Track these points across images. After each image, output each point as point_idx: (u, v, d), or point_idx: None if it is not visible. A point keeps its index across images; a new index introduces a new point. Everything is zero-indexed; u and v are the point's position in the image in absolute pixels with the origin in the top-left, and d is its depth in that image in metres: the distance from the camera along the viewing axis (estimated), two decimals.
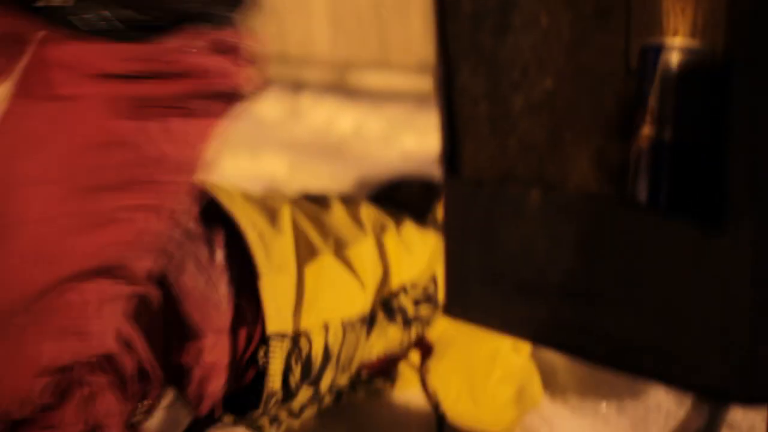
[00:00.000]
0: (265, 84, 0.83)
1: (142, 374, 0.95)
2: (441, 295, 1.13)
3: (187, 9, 0.78)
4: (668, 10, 0.62)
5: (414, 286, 1.18)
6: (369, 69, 3.00)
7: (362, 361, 1.17)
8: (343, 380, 1.16)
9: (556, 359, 1.28)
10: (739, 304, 0.60)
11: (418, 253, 1.19)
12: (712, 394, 0.62)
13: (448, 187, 0.76)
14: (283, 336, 1.03)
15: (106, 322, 0.84)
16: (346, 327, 1.09)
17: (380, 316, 1.15)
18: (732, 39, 0.56)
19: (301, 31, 3.21)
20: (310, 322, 1.05)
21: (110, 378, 0.92)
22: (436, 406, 1.17)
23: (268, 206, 1.13)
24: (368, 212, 1.21)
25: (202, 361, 1.00)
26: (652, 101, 0.63)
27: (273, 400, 1.06)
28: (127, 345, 0.94)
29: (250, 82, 0.82)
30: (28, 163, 0.77)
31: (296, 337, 1.04)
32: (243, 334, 1.02)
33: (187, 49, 0.78)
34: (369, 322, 1.14)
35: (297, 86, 3.08)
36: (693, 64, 0.61)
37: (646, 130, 0.63)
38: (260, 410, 1.06)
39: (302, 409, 1.12)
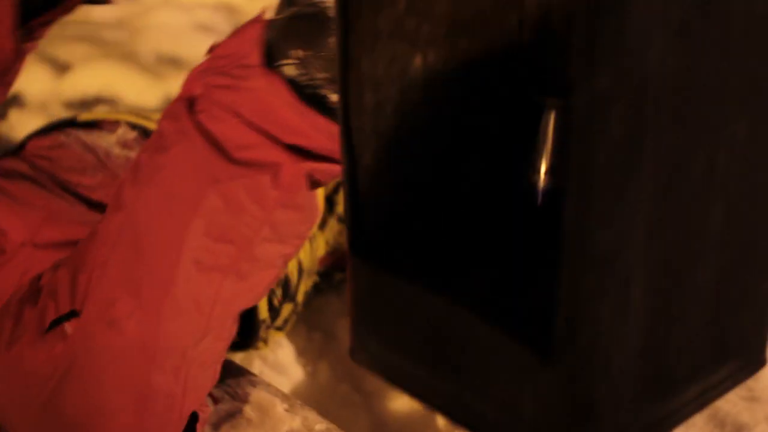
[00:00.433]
0: None
1: None
2: None
3: None
4: None
5: None
6: None
7: (318, 260, 1.28)
8: (310, 284, 1.27)
9: None
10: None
11: None
12: None
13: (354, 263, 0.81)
14: None
15: None
16: (310, 237, 1.18)
17: (325, 211, 1.25)
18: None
19: None
20: None
21: None
22: None
23: None
24: None
25: None
26: None
27: (263, 327, 1.18)
28: None
29: None
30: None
31: None
32: None
33: None
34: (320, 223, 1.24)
35: None
36: None
37: None
38: (255, 339, 1.18)
39: (285, 322, 1.26)
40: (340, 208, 1.29)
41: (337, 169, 0.85)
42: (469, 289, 0.71)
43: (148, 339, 0.84)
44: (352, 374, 1.28)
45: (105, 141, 1.21)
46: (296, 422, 1.15)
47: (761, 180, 0.72)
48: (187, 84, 0.86)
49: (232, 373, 1.23)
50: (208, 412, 0.99)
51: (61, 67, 1.92)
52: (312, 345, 1.33)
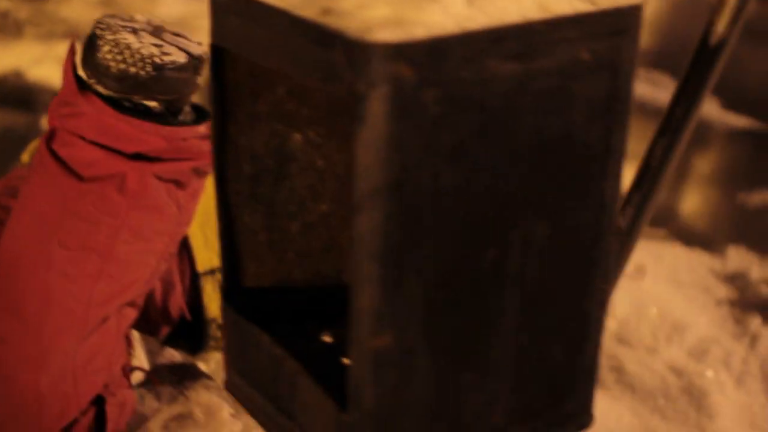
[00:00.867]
0: None
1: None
2: None
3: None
4: None
5: None
6: None
7: None
8: None
9: None
10: None
11: None
12: None
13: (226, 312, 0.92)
14: (211, 272, 1.27)
15: None
16: None
17: None
18: None
19: None
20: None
21: None
22: None
23: None
24: None
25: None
26: None
27: (214, 326, 1.30)
28: None
29: None
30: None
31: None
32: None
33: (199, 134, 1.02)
34: None
35: None
36: None
37: None
38: (206, 338, 1.31)
39: None
40: None
41: (182, 166, 1.00)
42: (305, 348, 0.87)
43: (31, 350, 0.99)
44: None
45: None
46: (237, 427, 1.30)
47: (563, 271, 0.82)
48: (48, 115, 1.01)
49: (191, 376, 1.39)
50: (130, 396, 1.13)
51: None
52: None
